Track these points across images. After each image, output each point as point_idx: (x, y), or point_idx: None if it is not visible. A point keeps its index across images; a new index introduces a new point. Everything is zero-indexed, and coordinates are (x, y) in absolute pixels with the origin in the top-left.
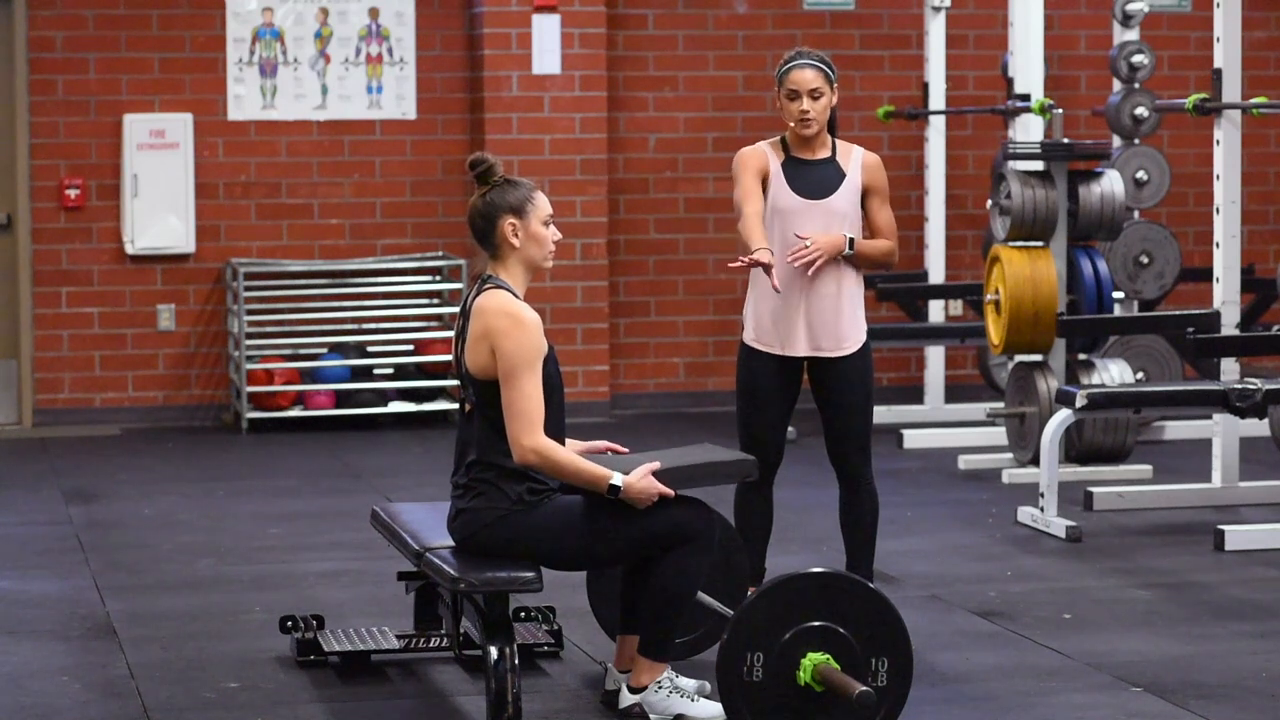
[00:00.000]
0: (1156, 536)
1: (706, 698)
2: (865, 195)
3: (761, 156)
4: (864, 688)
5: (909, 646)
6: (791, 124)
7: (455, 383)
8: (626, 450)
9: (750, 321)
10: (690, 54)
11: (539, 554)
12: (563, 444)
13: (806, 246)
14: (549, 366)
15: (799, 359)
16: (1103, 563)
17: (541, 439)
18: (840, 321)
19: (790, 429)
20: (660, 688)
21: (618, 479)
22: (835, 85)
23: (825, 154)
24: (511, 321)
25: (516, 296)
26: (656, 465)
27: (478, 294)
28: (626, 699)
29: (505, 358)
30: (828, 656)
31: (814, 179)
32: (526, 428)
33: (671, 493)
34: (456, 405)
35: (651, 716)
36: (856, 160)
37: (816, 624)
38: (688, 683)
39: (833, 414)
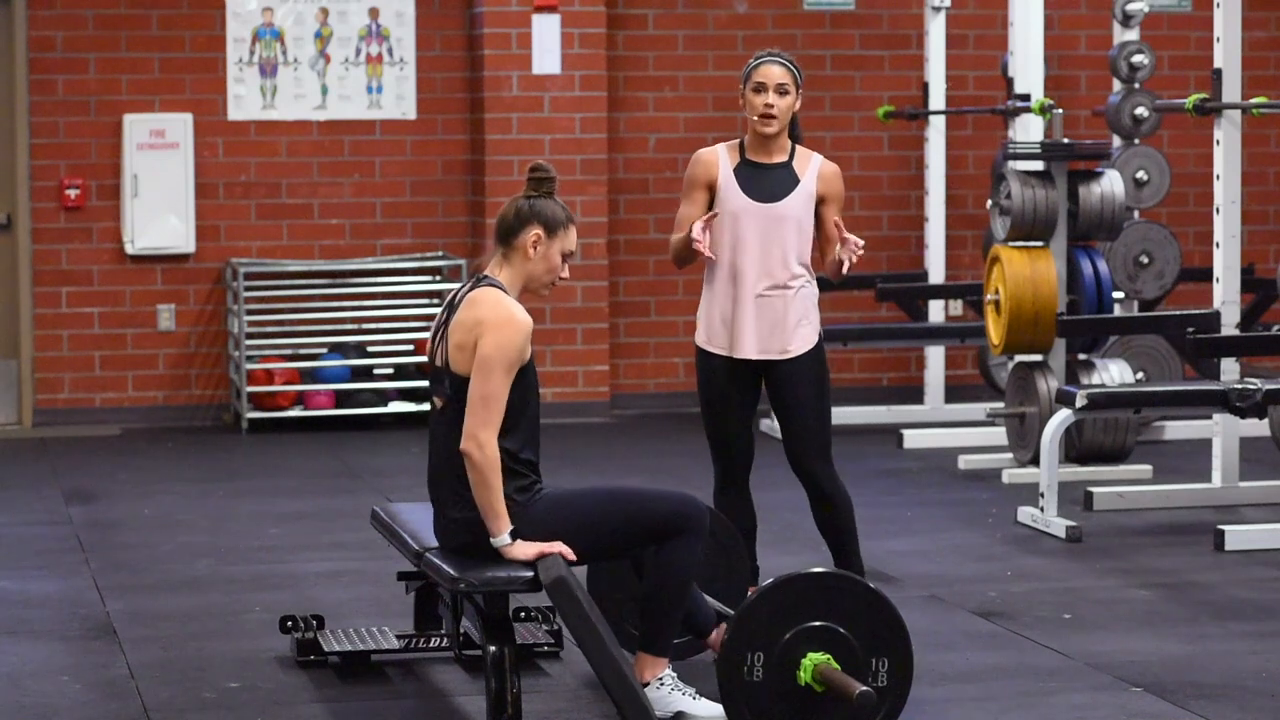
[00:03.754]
0: (1156, 536)
1: (708, 698)
2: (822, 204)
3: (711, 165)
4: (864, 688)
5: (909, 647)
6: (754, 118)
7: None
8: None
9: (702, 322)
10: (690, 54)
11: None
12: (537, 453)
13: (859, 245)
14: (529, 376)
15: (751, 361)
16: (1103, 563)
17: (494, 441)
18: (787, 323)
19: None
20: (662, 684)
21: (504, 539)
22: (800, 89)
23: (782, 159)
24: (506, 318)
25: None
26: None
27: (471, 288)
28: None
29: (486, 349)
30: (828, 657)
31: (766, 183)
32: (486, 422)
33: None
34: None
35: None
36: (814, 168)
37: (817, 624)
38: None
39: (785, 415)
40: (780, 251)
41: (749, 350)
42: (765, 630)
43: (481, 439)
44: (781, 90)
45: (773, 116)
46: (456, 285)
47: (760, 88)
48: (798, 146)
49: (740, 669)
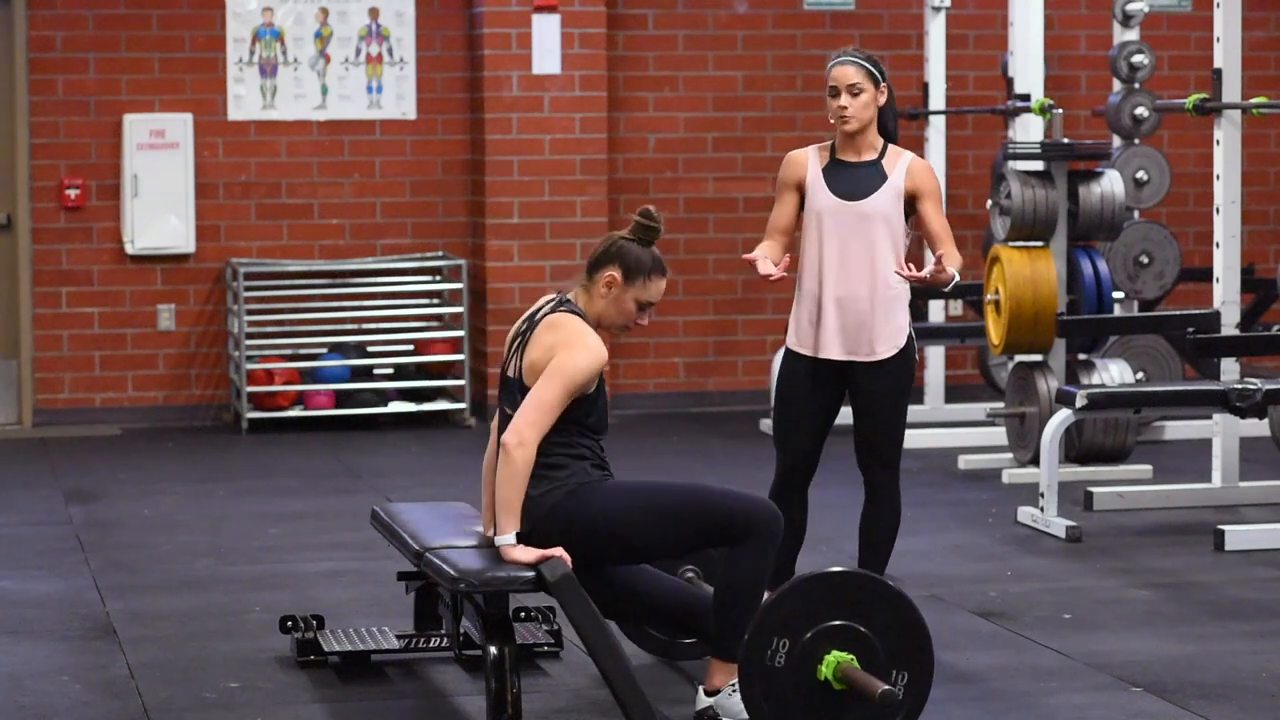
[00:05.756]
0: (1156, 536)
1: None
2: (916, 200)
3: (800, 166)
4: (886, 687)
5: (931, 666)
6: (832, 121)
7: (456, 382)
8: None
9: (791, 325)
10: (690, 54)
11: (599, 539)
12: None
13: (933, 273)
14: (599, 399)
15: (835, 363)
16: (1103, 563)
17: (536, 443)
18: (874, 326)
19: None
20: (735, 690)
21: (508, 539)
22: (883, 85)
23: (871, 156)
24: (583, 343)
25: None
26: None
27: (552, 310)
28: (701, 701)
29: (558, 362)
30: (852, 657)
31: (853, 181)
32: (535, 423)
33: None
34: (457, 407)
35: (723, 719)
36: (903, 165)
37: (847, 624)
38: None
39: (860, 419)
40: (867, 251)
41: (833, 351)
42: (795, 619)
43: (527, 437)
44: (854, 91)
45: (848, 118)
46: (459, 286)
47: (834, 91)
48: (890, 145)
49: (763, 653)
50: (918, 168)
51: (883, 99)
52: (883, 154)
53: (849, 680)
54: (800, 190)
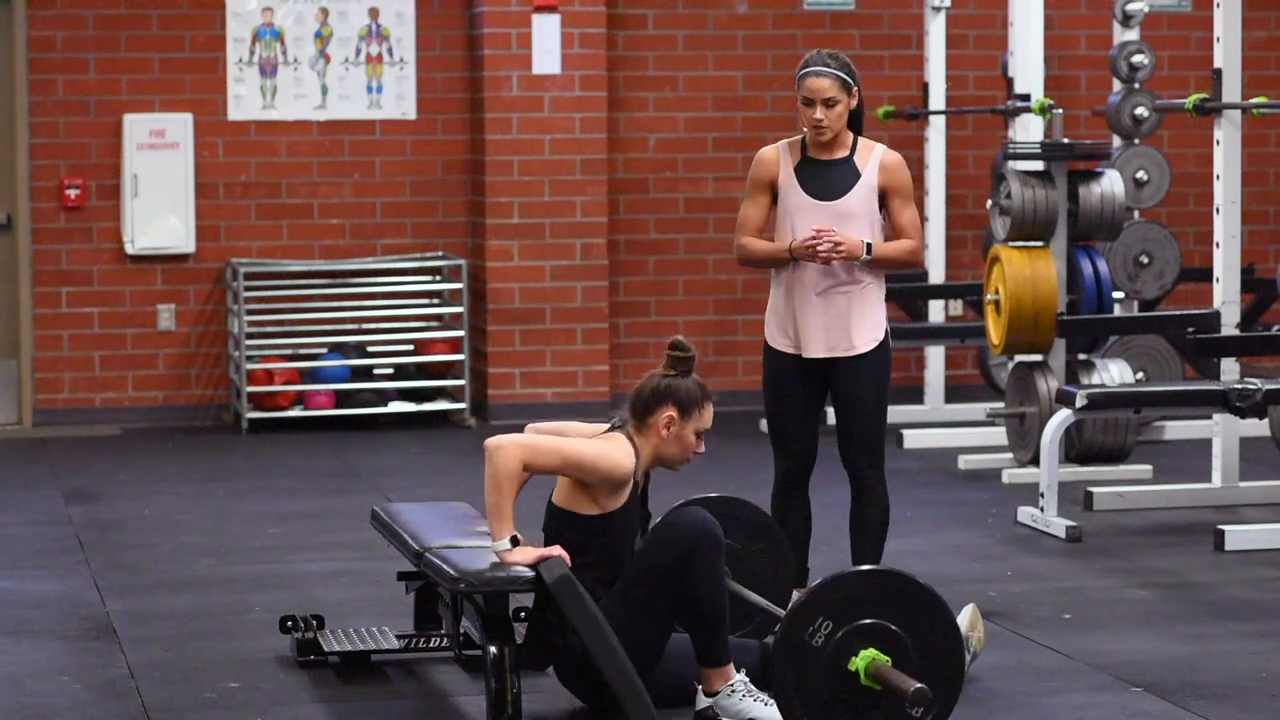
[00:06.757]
0: (1156, 536)
1: None
2: (886, 196)
3: (771, 165)
4: (919, 685)
5: (956, 696)
6: (804, 129)
7: (456, 382)
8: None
9: (770, 321)
10: (690, 54)
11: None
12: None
13: (833, 235)
14: (614, 526)
15: (817, 360)
16: (1103, 563)
17: (516, 459)
18: (851, 322)
19: None
20: (734, 691)
21: (504, 544)
22: (855, 89)
23: (843, 154)
24: (610, 446)
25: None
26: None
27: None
28: (701, 701)
29: (584, 445)
30: (888, 659)
31: (827, 180)
32: (523, 444)
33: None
34: (457, 407)
35: (723, 719)
36: (875, 160)
37: (893, 628)
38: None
39: (841, 415)
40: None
41: (815, 349)
42: (846, 606)
43: (506, 444)
44: (829, 103)
45: (823, 129)
46: (459, 286)
47: (808, 101)
48: (859, 139)
49: (806, 627)
50: (890, 162)
51: (854, 103)
52: (854, 150)
53: (880, 677)
54: (772, 189)
